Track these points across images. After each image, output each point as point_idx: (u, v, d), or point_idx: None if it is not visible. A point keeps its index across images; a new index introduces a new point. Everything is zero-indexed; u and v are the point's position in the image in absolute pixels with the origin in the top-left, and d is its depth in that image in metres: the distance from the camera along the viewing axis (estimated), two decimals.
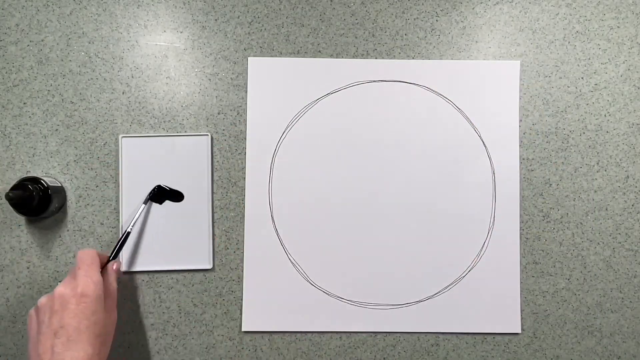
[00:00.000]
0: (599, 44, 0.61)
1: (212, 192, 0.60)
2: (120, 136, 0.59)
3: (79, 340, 0.45)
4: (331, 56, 0.61)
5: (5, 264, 0.59)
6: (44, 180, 0.56)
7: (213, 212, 0.60)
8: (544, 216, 0.60)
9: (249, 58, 0.60)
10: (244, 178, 0.60)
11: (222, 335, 0.59)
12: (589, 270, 0.60)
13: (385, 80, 0.61)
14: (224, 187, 0.60)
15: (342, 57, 0.61)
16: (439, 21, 0.61)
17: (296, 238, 0.60)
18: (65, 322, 0.45)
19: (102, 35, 0.60)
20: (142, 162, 0.59)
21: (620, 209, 0.60)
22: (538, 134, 0.61)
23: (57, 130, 0.59)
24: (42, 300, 0.48)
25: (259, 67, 0.60)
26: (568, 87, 0.61)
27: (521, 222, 0.60)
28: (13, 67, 0.60)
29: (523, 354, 0.60)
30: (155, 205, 0.59)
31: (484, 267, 0.60)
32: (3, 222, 0.59)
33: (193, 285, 0.59)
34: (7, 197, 0.52)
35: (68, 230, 0.59)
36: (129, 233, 0.56)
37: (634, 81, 0.61)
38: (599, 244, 0.60)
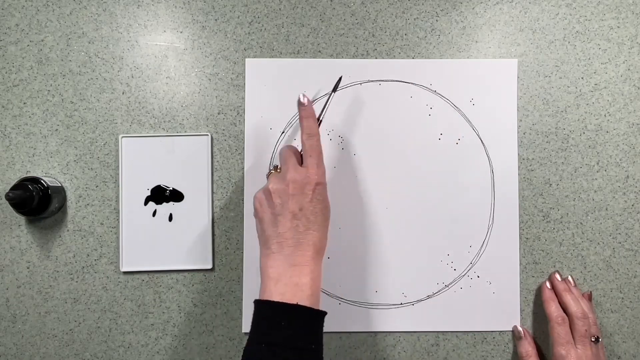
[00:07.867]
0: (599, 44, 0.61)
1: (212, 192, 0.60)
2: (120, 136, 0.59)
3: (316, 222, 0.49)
4: (331, 56, 0.61)
5: (5, 264, 0.59)
6: (44, 180, 0.56)
7: (213, 212, 0.60)
8: (543, 216, 0.60)
9: (246, 59, 0.60)
10: (244, 178, 0.60)
11: (222, 335, 0.59)
12: (589, 270, 0.60)
13: (384, 80, 0.61)
14: (224, 187, 0.60)
15: (342, 57, 0.61)
16: (439, 21, 0.61)
17: None
18: (304, 206, 0.49)
19: (102, 35, 0.60)
20: (142, 162, 0.59)
21: (620, 209, 0.60)
22: (538, 134, 0.61)
23: (57, 130, 0.59)
24: (272, 186, 0.50)
25: (256, 68, 0.60)
26: (568, 87, 0.61)
27: (521, 222, 0.60)
28: (13, 67, 0.60)
29: None
30: (155, 206, 0.59)
31: (483, 267, 0.60)
32: (3, 222, 0.59)
33: (193, 285, 0.59)
34: (7, 197, 0.52)
35: (68, 230, 0.59)
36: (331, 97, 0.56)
37: (634, 81, 0.61)
38: (599, 244, 0.60)
